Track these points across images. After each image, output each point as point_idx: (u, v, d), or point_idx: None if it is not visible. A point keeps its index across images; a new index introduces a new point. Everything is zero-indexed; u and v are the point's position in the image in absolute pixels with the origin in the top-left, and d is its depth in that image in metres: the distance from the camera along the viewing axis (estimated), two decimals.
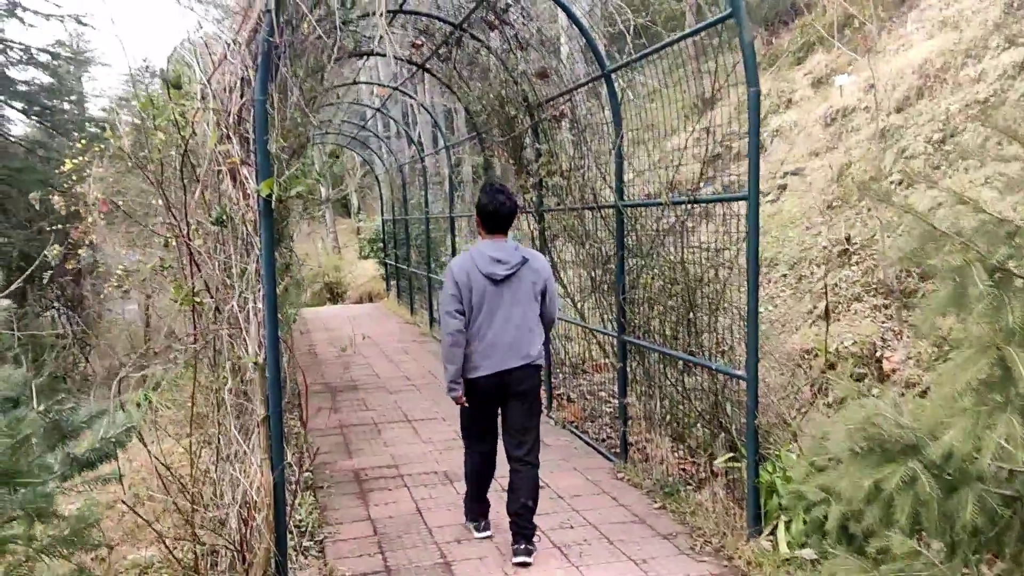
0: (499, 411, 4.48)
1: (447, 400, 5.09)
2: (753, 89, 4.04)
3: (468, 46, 7.57)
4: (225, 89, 3.69)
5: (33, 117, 19.56)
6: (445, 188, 12.00)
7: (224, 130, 3.68)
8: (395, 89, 10.65)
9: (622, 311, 5.78)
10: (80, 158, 5.71)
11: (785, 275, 9.95)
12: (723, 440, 4.99)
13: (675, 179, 5.20)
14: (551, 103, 6.85)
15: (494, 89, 7.48)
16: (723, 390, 5.00)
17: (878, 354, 5.90)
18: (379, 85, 11.06)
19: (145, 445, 3.90)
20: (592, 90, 6.27)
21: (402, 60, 8.83)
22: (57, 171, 5.80)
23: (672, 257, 5.28)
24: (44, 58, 20.49)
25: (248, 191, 3.63)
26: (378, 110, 12.65)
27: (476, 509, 4.71)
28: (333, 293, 24.34)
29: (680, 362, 5.32)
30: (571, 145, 6.81)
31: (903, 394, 5.33)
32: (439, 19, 7.18)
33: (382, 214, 18.50)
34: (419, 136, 13.40)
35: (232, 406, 3.99)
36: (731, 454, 4.66)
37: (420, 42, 8.20)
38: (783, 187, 12.30)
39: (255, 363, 3.76)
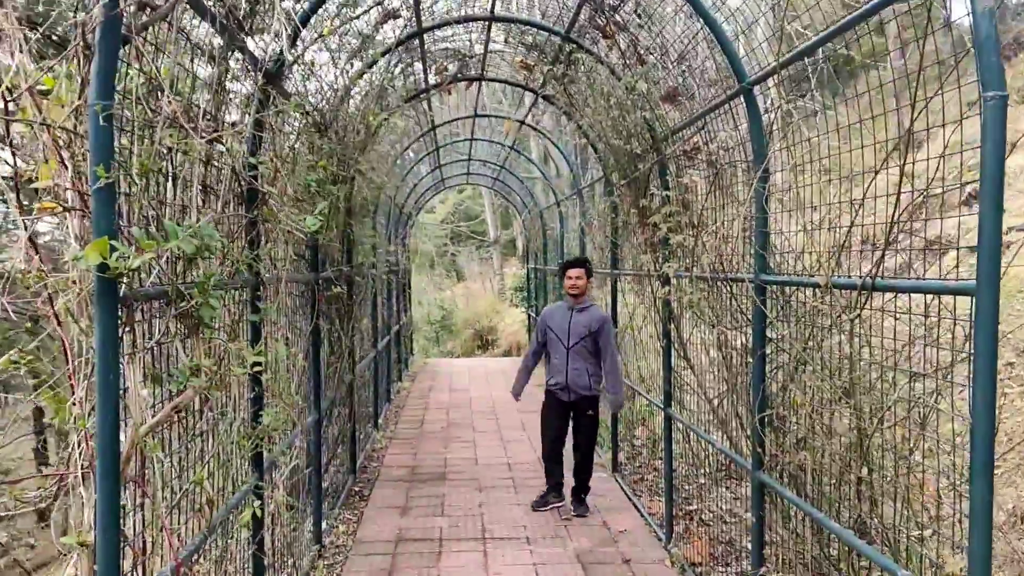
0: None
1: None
2: (994, 95, 2.14)
3: (584, 63, 5.96)
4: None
5: None
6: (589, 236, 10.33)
7: (58, 154, 2.26)
8: (522, 124, 9.17)
9: (759, 438, 3.89)
10: None
11: (1011, 363, 7.62)
12: None
13: (847, 243, 3.30)
14: (679, 134, 5.09)
15: (611, 116, 5.80)
16: None
17: None
18: (489, 116, 9.62)
19: None
20: (731, 115, 4.44)
21: (514, 85, 7.35)
22: None
23: (832, 370, 3.36)
24: None
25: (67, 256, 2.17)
26: (512, 147, 11.23)
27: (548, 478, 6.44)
28: (483, 340, 23.17)
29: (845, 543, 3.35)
30: (705, 191, 4.99)
31: None
32: (542, 27, 5.63)
33: (526, 261, 17.09)
34: (557, 174, 11.87)
35: None
36: None
37: (531, 62, 6.68)
38: (1007, 245, 9.78)
39: (80, 542, 2.27)
